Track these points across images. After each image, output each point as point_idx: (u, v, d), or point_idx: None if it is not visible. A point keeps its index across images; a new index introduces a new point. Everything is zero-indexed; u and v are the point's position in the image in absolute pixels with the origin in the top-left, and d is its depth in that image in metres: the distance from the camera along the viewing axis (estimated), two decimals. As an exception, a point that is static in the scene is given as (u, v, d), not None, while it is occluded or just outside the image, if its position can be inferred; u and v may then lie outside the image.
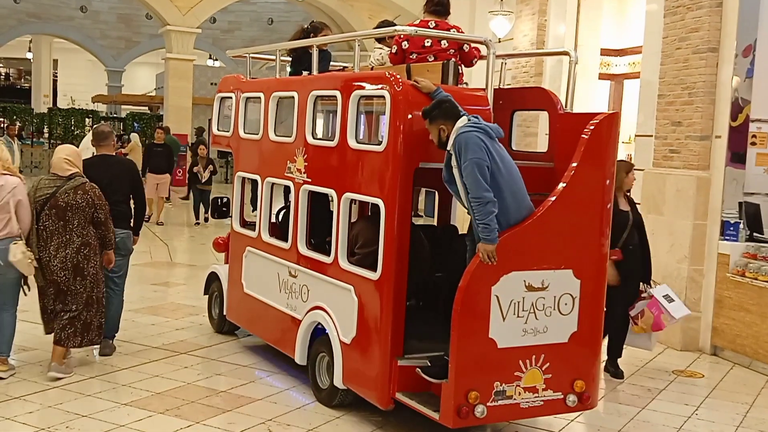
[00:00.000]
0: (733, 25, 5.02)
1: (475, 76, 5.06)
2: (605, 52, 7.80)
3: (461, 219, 3.94)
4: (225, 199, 5.29)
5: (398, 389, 3.25)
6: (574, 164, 3.18)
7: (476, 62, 3.89)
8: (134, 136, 12.77)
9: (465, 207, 3.16)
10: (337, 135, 3.64)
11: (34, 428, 3.28)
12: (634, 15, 7.58)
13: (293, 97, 4.04)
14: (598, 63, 7.74)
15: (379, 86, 3.37)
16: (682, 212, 5.22)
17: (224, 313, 4.84)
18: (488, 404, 3.03)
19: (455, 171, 3.10)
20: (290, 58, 4.66)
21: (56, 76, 27.62)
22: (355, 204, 3.95)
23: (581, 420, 3.75)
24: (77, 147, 5.13)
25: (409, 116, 3.25)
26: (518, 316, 3.07)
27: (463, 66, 3.83)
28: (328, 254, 3.68)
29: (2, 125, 18.11)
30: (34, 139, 19.34)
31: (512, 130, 3.93)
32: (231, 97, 4.82)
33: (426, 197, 10.87)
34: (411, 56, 3.78)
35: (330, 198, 3.74)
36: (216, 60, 23.24)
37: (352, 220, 3.80)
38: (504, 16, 8.58)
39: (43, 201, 3.86)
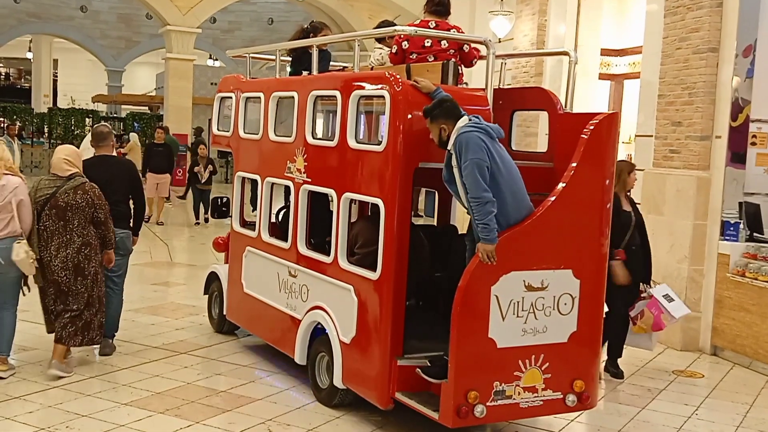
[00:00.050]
0: (733, 25, 5.02)
1: (475, 76, 5.06)
2: (605, 52, 7.80)
3: (461, 219, 3.94)
4: (225, 199, 5.29)
5: (398, 389, 3.26)
6: (574, 164, 3.18)
7: (476, 62, 3.89)
8: (133, 136, 12.79)
9: (465, 207, 3.16)
10: (337, 135, 3.64)
11: (34, 428, 3.28)
12: (635, 15, 7.58)
13: (293, 97, 4.04)
14: (598, 63, 7.74)
15: (379, 86, 3.38)
16: (683, 212, 5.22)
17: (224, 313, 4.84)
18: (488, 404, 3.03)
19: (455, 171, 3.11)
20: (290, 58, 4.66)
21: (56, 76, 27.63)
22: (354, 204, 3.95)
23: (581, 420, 3.75)
24: (78, 147, 5.14)
25: (409, 116, 3.25)
26: (518, 316, 3.08)
27: (462, 66, 3.83)
28: (328, 254, 3.68)
29: (2, 125, 18.11)
30: (34, 139, 19.35)
31: (512, 130, 3.93)
32: (231, 97, 4.82)
33: (426, 197, 10.87)
34: (411, 56, 3.78)
35: (330, 198, 3.74)
36: (216, 60, 23.25)
37: (352, 220, 3.81)
38: (504, 16, 8.58)
39: (44, 201, 3.88)
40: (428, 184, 4.71)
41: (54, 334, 3.93)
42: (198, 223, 10.32)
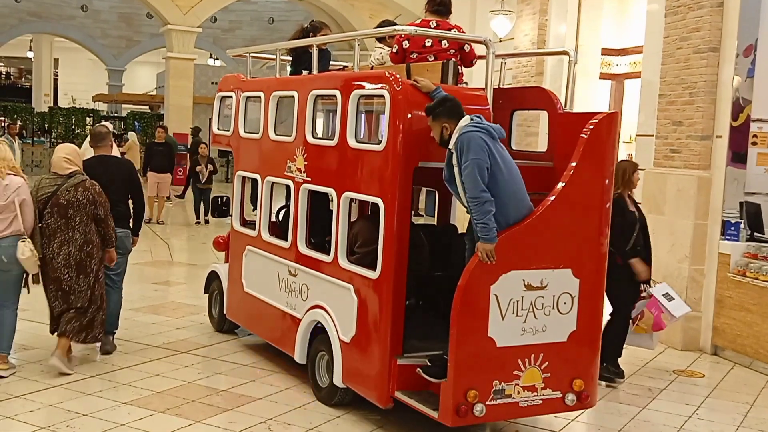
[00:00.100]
0: (734, 25, 5.02)
1: (475, 76, 5.05)
2: (606, 52, 7.79)
3: (461, 218, 3.94)
4: (225, 198, 5.30)
5: (397, 388, 3.26)
6: (573, 164, 3.18)
7: (476, 62, 3.89)
8: (132, 135, 12.80)
9: (464, 206, 3.16)
10: (337, 134, 3.64)
11: (34, 427, 3.28)
12: (635, 15, 7.58)
13: (293, 97, 4.04)
14: (598, 63, 7.73)
15: (379, 86, 3.38)
16: (683, 212, 5.21)
17: (224, 312, 4.84)
18: (487, 403, 3.03)
19: (455, 170, 3.11)
20: (290, 58, 4.66)
21: (57, 75, 27.65)
22: (354, 203, 3.95)
23: (582, 419, 3.75)
24: (79, 147, 5.14)
25: (409, 116, 3.25)
26: (517, 315, 3.08)
27: (462, 66, 3.83)
28: (328, 253, 3.68)
29: (3, 124, 18.13)
30: (35, 138, 19.38)
31: (512, 129, 3.93)
32: (231, 97, 4.83)
33: (427, 197, 10.87)
34: (411, 56, 3.78)
35: (330, 197, 3.74)
36: (217, 59, 23.25)
37: (352, 220, 3.81)
38: (505, 15, 8.58)
39: (45, 200, 3.90)
40: (428, 184, 4.70)
41: (58, 328, 3.95)
42: (198, 223, 10.33)
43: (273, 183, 4.31)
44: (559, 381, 3.19)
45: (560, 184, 3.16)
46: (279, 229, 4.45)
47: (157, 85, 22.47)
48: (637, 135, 6.28)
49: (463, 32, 3.92)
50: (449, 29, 3.79)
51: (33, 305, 4.72)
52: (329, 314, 3.64)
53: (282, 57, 4.50)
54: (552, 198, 3.13)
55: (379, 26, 4.37)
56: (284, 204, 4.63)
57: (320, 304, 3.72)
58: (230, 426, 3.41)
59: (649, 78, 5.79)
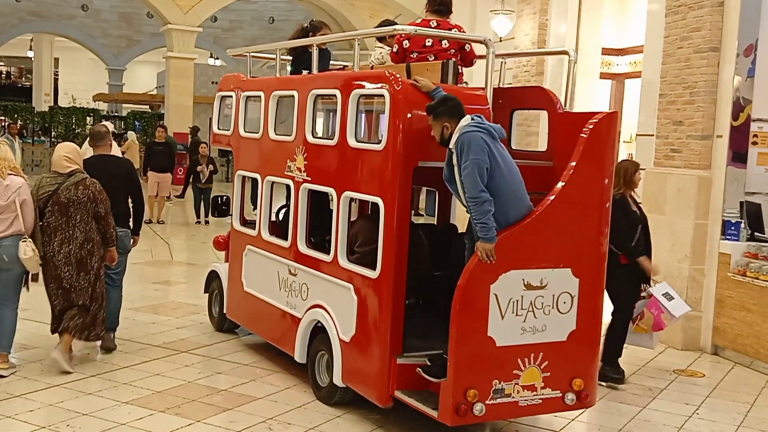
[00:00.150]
0: (734, 25, 5.02)
1: (475, 76, 5.05)
2: (606, 52, 7.79)
3: (461, 217, 3.94)
4: (225, 198, 5.30)
5: (397, 387, 3.26)
6: (573, 163, 3.18)
7: (475, 62, 3.89)
8: (131, 134, 12.80)
9: (464, 205, 3.16)
10: (337, 134, 3.64)
11: (35, 426, 3.28)
12: (636, 14, 7.57)
13: (293, 96, 4.04)
14: (599, 62, 7.73)
15: (379, 85, 3.38)
16: (684, 212, 5.21)
17: (224, 312, 4.84)
18: (487, 402, 3.03)
19: (455, 169, 3.11)
20: (290, 57, 4.66)
21: (57, 75, 27.67)
22: (354, 203, 3.95)
23: (582, 419, 3.75)
24: (79, 146, 5.15)
25: (409, 115, 3.25)
26: (517, 315, 3.08)
27: (463, 65, 3.83)
28: (328, 253, 3.68)
29: (3, 123, 18.14)
30: (35, 138, 19.39)
31: (512, 129, 3.93)
32: (231, 96, 4.83)
33: (427, 196, 10.87)
34: (412, 55, 3.78)
35: (330, 197, 3.74)
36: (217, 59, 23.27)
37: (352, 219, 3.81)
38: (505, 15, 8.58)
39: (46, 198, 3.92)
40: (428, 183, 4.70)
41: (62, 323, 3.96)
42: (198, 222, 10.34)
43: (273, 182, 4.31)
44: (558, 380, 3.19)
45: (560, 184, 3.16)
46: (279, 228, 4.45)
47: (158, 85, 22.49)
48: (637, 135, 6.27)
49: (463, 32, 3.92)
50: (450, 29, 3.79)
51: (33, 305, 4.73)
52: (329, 313, 3.64)
53: (282, 56, 4.50)
54: (552, 197, 3.13)
55: (379, 26, 4.37)
56: (284, 203, 4.63)
57: (320, 303, 3.73)
58: (230, 425, 3.41)
59: (650, 78, 5.78)
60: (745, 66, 5.05)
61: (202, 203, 10.20)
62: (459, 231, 4.15)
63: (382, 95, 3.33)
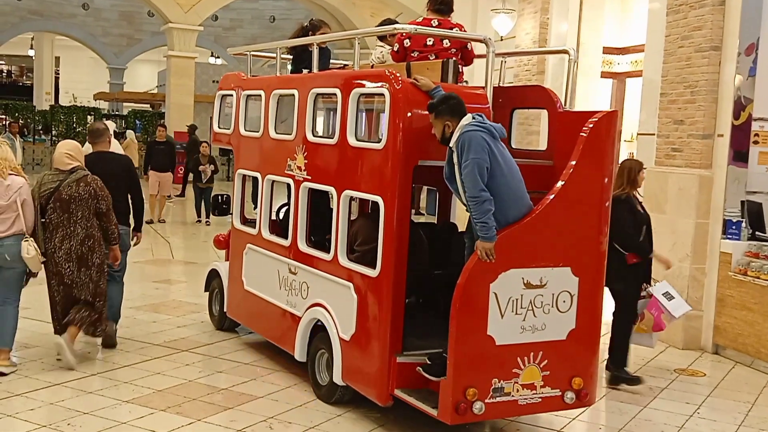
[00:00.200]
0: (735, 24, 5.01)
1: (476, 75, 5.04)
2: (607, 51, 7.78)
3: (461, 216, 3.94)
4: (225, 197, 5.30)
5: (397, 386, 3.26)
6: (573, 162, 3.17)
7: (473, 60, 3.88)
8: (130, 133, 12.83)
9: (464, 204, 3.16)
10: (337, 133, 3.64)
11: (36, 425, 3.29)
12: (637, 13, 7.57)
13: (294, 95, 4.04)
14: (600, 61, 7.72)
15: (379, 84, 3.37)
16: (685, 211, 5.21)
17: (224, 310, 4.85)
18: (486, 401, 3.03)
19: (456, 168, 3.11)
20: (291, 56, 4.66)
21: (58, 74, 27.68)
22: (355, 201, 3.95)
23: (583, 418, 3.75)
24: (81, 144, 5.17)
25: (409, 114, 3.25)
26: (516, 314, 3.08)
27: (464, 64, 3.83)
28: (328, 251, 3.69)
29: (4, 122, 18.17)
30: (36, 137, 19.41)
31: (512, 128, 3.93)
32: (232, 95, 4.83)
33: (428, 195, 10.87)
34: (413, 54, 3.77)
35: (330, 195, 3.74)
36: (218, 57, 23.27)
37: (352, 218, 3.81)
38: (506, 14, 8.58)
39: (48, 195, 3.95)
40: (428, 182, 4.70)
41: (69, 316, 3.97)
42: (199, 221, 10.34)
43: (273, 181, 4.31)
44: (558, 379, 3.19)
45: (560, 183, 3.15)
46: (279, 227, 4.46)
47: (158, 84, 22.48)
48: (638, 134, 6.27)
49: (464, 31, 3.92)
50: (451, 28, 3.78)
51: (34, 304, 4.74)
52: (329, 312, 3.64)
53: (282, 55, 4.49)
54: (551, 196, 3.13)
55: (380, 25, 4.36)
56: (284, 202, 4.63)
57: (320, 302, 3.73)
58: (231, 424, 3.41)
59: (651, 77, 5.78)
60: (747, 65, 5.04)
61: (202, 203, 10.20)
62: (459, 230, 4.15)
63: (383, 94, 3.33)
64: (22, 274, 3.94)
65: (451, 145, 3.14)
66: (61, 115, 19.70)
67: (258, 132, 4.42)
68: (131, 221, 4.52)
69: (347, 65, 4.80)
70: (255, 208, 4.61)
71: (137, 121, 19.10)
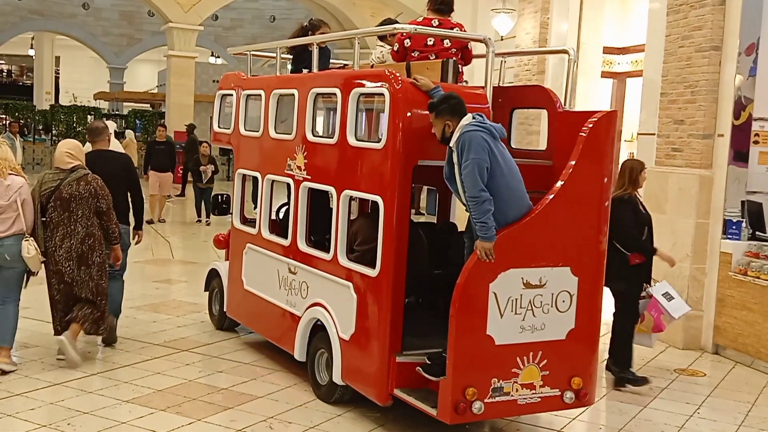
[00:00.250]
0: (736, 24, 5.00)
1: (476, 75, 5.04)
2: (608, 50, 7.78)
3: (460, 216, 3.94)
4: (225, 196, 5.30)
5: (396, 385, 3.26)
6: (572, 162, 3.17)
7: (472, 59, 3.88)
8: (129, 133, 12.84)
9: (463, 204, 3.16)
10: (337, 132, 3.64)
11: (36, 425, 3.29)
12: (637, 13, 7.56)
13: (293, 95, 4.04)
14: (600, 61, 7.72)
15: (379, 84, 3.37)
16: (685, 211, 5.20)
17: (224, 310, 4.85)
18: (486, 401, 3.04)
19: (456, 168, 3.11)
20: (290, 56, 4.66)
21: (58, 73, 27.69)
22: (355, 201, 3.95)
23: (583, 418, 3.75)
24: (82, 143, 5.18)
25: (408, 114, 3.25)
26: (516, 313, 3.08)
27: (464, 64, 3.83)
28: (328, 251, 3.69)
29: (4, 122, 18.17)
30: (36, 136, 19.42)
31: (511, 128, 3.93)
32: (232, 95, 4.83)
33: (428, 195, 10.87)
34: (413, 54, 3.77)
35: (330, 195, 3.74)
36: (218, 57, 23.27)
37: (352, 218, 3.81)
38: (506, 14, 8.58)
39: (49, 194, 3.96)
40: (428, 182, 4.70)
41: (72, 313, 3.98)
42: (199, 221, 10.34)
43: (273, 181, 4.31)
44: (557, 379, 3.19)
45: (559, 183, 3.15)
46: (279, 227, 4.46)
47: (159, 83, 22.49)
48: (638, 133, 6.26)
49: (464, 31, 3.91)
50: (451, 28, 3.78)
51: (33, 303, 4.74)
52: (329, 312, 3.64)
53: (282, 55, 4.49)
54: (551, 196, 3.13)
55: (380, 24, 4.36)
56: (284, 202, 4.63)
57: (320, 301, 3.73)
58: (231, 424, 3.41)
59: (651, 76, 5.77)
60: (747, 65, 5.04)
61: (202, 203, 10.20)
62: (459, 230, 4.15)
63: (382, 94, 3.33)
64: (22, 273, 3.95)
65: (451, 144, 3.14)
66: (62, 115, 19.71)
67: (258, 132, 4.42)
68: (131, 220, 4.53)
69: (347, 65, 4.79)
70: (255, 207, 4.61)
71: (137, 121, 19.11)
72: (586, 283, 3.22)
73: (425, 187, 9.56)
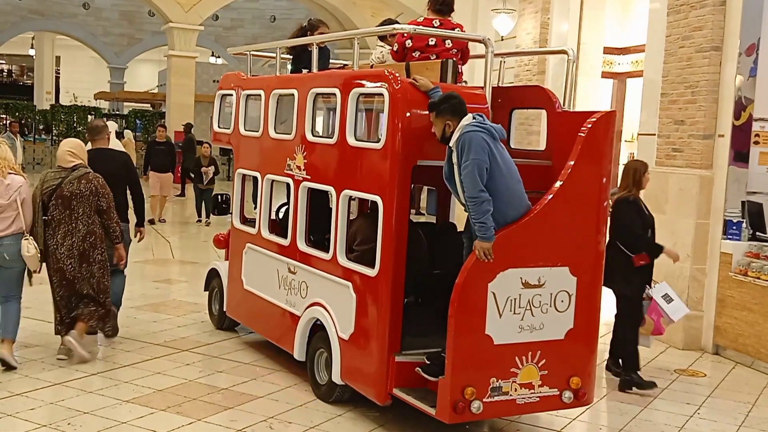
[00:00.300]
0: (736, 24, 5.00)
1: (476, 75, 5.04)
2: (608, 51, 7.78)
3: (460, 216, 3.94)
4: (225, 196, 5.31)
5: (395, 385, 3.26)
6: (571, 162, 3.17)
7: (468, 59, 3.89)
8: (127, 133, 12.86)
9: (462, 204, 3.17)
10: (337, 132, 3.64)
11: (36, 425, 3.29)
12: (637, 13, 7.56)
13: (293, 95, 4.04)
14: (600, 61, 7.72)
15: (378, 84, 3.38)
16: (685, 211, 5.20)
17: (224, 310, 4.85)
18: (484, 400, 3.04)
19: (455, 168, 3.11)
20: (290, 56, 4.67)
21: (59, 73, 27.71)
22: (354, 201, 3.95)
23: (583, 418, 3.74)
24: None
25: (408, 114, 3.25)
26: (515, 313, 3.08)
27: (462, 64, 3.83)
28: (327, 251, 3.69)
29: (4, 122, 18.18)
30: (37, 136, 19.45)
31: (511, 128, 3.93)
32: (232, 95, 4.83)
33: (428, 195, 10.87)
34: (414, 54, 3.77)
35: (329, 195, 3.75)
36: (218, 57, 23.29)
37: (351, 217, 3.81)
38: (507, 14, 8.58)
39: (50, 192, 3.99)
40: (427, 182, 4.70)
41: (77, 311, 4.00)
42: (200, 221, 10.35)
43: (273, 181, 4.31)
44: (556, 379, 3.19)
45: (558, 183, 3.15)
46: (279, 226, 4.46)
47: (159, 83, 22.51)
48: (639, 134, 6.26)
49: (464, 31, 3.92)
50: (452, 28, 3.78)
51: (34, 303, 4.74)
52: (328, 311, 3.64)
53: (282, 55, 4.50)
54: (550, 196, 3.13)
55: (381, 25, 4.36)
56: (284, 202, 4.63)
57: (319, 301, 3.73)
58: (231, 424, 3.41)
59: (651, 77, 5.77)
60: (747, 65, 5.04)
61: (203, 203, 10.20)
62: (458, 229, 4.15)
63: (382, 94, 3.33)
64: (22, 272, 3.97)
65: (450, 144, 3.14)
66: (62, 115, 19.73)
67: (258, 132, 4.42)
68: (130, 217, 4.54)
69: (347, 65, 4.79)
70: (255, 207, 4.61)
71: (138, 121, 19.13)
72: (585, 283, 3.23)
73: (425, 187, 9.57)
